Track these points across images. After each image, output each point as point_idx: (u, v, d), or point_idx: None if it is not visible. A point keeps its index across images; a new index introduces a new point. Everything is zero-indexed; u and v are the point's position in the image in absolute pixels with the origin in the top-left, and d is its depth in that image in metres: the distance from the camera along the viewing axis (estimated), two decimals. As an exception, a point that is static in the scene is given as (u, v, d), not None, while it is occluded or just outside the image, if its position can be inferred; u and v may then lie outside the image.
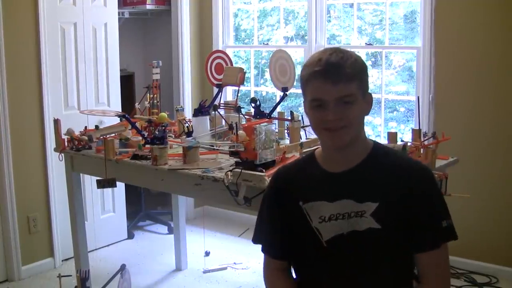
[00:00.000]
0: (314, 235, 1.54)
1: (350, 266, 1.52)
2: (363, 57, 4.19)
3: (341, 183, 1.54)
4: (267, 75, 4.65)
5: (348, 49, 1.53)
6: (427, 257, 1.50)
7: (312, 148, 2.51)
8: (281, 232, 1.63)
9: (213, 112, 2.95)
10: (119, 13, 4.28)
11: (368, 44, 4.01)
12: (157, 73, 3.21)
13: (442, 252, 1.51)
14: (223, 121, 3.01)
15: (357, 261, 1.51)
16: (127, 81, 5.05)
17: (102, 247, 4.18)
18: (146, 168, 2.62)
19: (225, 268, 3.80)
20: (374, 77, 4.10)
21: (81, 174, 3.34)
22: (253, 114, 2.89)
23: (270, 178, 1.81)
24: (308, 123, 1.66)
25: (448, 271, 1.57)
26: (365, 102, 1.53)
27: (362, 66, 1.52)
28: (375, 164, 1.54)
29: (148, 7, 4.69)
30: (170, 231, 4.35)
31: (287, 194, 1.62)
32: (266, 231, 1.68)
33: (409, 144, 2.43)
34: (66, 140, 2.98)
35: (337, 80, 1.45)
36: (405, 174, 1.51)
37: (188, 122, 3.01)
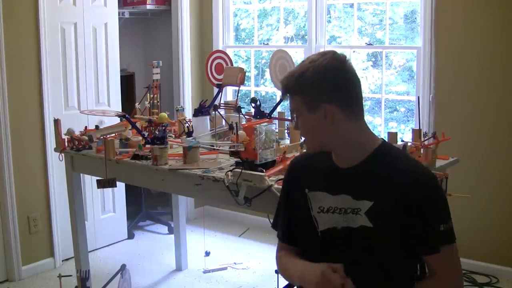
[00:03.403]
0: (312, 223, 1.61)
1: (341, 260, 1.52)
2: (364, 58, 4.23)
3: (344, 178, 1.59)
4: (267, 75, 4.65)
5: (321, 59, 1.51)
6: (431, 259, 1.52)
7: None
8: (290, 217, 1.71)
9: (213, 112, 2.95)
10: (119, 13, 4.28)
11: (368, 44, 4.01)
12: (157, 73, 3.22)
13: (446, 254, 1.51)
14: (223, 121, 3.00)
15: (348, 256, 1.54)
16: (127, 81, 5.05)
17: (102, 247, 4.18)
18: (147, 168, 2.62)
19: (225, 268, 3.79)
20: (375, 77, 4.10)
21: (81, 174, 3.34)
22: (253, 114, 2.88)
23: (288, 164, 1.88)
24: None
25: (458, 269, 1.56)
26: (315, 116, 1.52)
27: (311, 82, 1.50)
28: (377, 164, 1.55)
29: (148, 7, 4.68)
30: (170, 231, 4.35)
31: (297, 180, 1.69)
32: (280, 216, 1.77)
33: (409, 144, 2.43)
34: (66, 140, 2.98)
35: (285, 93, 1.59)
36: (403, 179, 1.50)
37: (188, 122, 3.01)
